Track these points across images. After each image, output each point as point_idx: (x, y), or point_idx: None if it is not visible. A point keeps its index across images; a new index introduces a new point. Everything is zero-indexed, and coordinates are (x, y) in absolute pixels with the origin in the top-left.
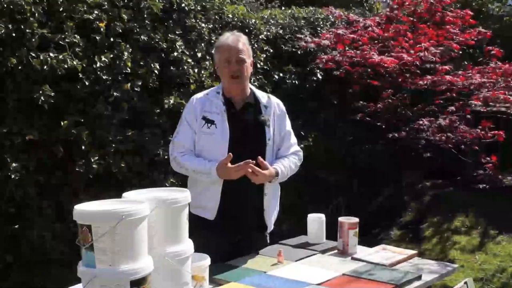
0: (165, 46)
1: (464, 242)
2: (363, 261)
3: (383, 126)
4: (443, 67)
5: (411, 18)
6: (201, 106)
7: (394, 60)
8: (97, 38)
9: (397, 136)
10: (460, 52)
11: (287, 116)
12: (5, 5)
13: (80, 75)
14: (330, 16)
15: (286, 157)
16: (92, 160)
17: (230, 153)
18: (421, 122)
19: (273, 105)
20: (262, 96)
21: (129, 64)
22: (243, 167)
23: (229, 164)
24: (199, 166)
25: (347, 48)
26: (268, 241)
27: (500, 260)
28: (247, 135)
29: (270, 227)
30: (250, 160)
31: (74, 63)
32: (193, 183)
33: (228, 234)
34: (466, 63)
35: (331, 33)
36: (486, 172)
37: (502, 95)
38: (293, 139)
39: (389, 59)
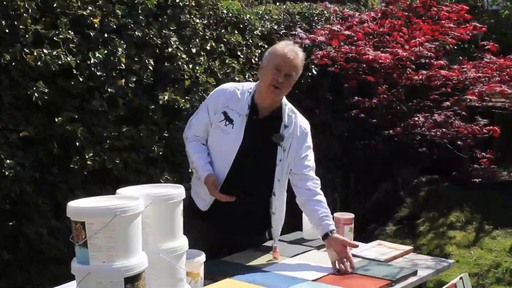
0: (159, 42)
1: (459, 237)
2: (358, 256)
3: (378, 123)
4: (438, 61)
5: (406, 13)
6: (226, 100)
7: (389, 55)
8: (91, 34)
9: (393, 133)
10: (455, 47)
11: (309, 137)
12: None
13: (75, 71)
14: (325, 12)
15: (322, 203)
16: (87, 156)
17: (218, 183)
18: (416, 118)
19: (294, 126)
20: (288, 113)
21: (124, 60)
22: (223, 198)
23: (216, 190)
24: (197, 163)
25: (342, 44)
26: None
27: (495, 255)
28: (259, 149)
29: (276, 241)
30: (233, 199)
31: (68, 59)
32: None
33: (220, 229)
34: (460, 58)
35: (325, 29)
36: (482, 167)
37: (498, 87)
38: (310, 162)
39: (384, 55)
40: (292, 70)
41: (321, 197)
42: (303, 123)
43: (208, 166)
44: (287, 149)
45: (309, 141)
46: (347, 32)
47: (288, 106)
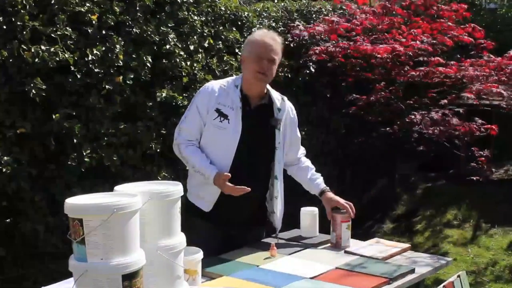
0: (157, 39)
1: (456, 235)
2: (356, 254)
3: (376, 121)
4: (436, 58)
5: (406, 11)
6: (216, 97)
7: (387, 48)
8: (89, 30)
9: (391, 130)
10: (454, 46)
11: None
12: None
13: (72, 68)
14: (323, 9)
15: (311, 169)
16: (84, 153)
17: (229, 174)
18: (413, 116)
19: (286, 109)
20: (277, 97)
21: (121, 57)
22: (239, 191)
23: (228, 183)
24: (200, 166)
25: (340, 40)
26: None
27: (493, 253)
28: (258, 137)
29: (279, 227)
30: (249, 189)
31: (66, 55)
32: (195, 173)
33: (223, 227)
34: (458, 56)
35: (324, 22)
36: (479, 166)
37: (495, 88)
38: (300, 144)
39: (383, 47)
40: (274, 55)
41: (308, 163)
42: (292, 106)
43: (213, 165)
44: (283, 131)
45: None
46: (346, 25)
47: (274, 92)
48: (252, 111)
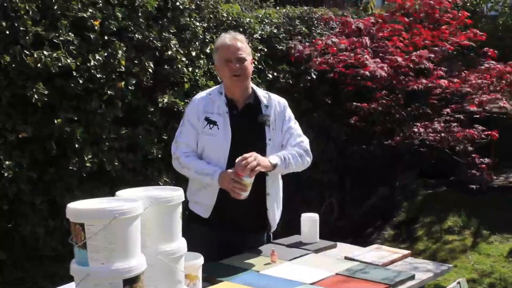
0: (159, 45)
1: (457, 242)
2: (356, 260)
3: (376, 129)
4: (439, 71)
5: (406, 19)
6: (204, 106)
7: (389, 63)
8: (92, 36)
9: (393, 143)
10: (455, 53)
11: (288, 110)
12: None
13: (74, 73)
14: (324, 16)
15: (289, 150)
16: (86, 158)
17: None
18: (415, 129)
19: (273, 104)
20: (264, 95)
21: (123, 62)
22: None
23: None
24: (204, 167)
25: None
26: (268, 240)
27: (493, 261)
28: (248, 137)
29: (274, 226)
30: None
31: (68, 61)
32: (193, 180)
33: (223, 232)
34: (460, 63)
35: (322, 41)
36: (480, 173)
37: (499, 100)
38: (298, 135)
39: (383, 65)
40: (240, 53)
41: (293, 149)
42: (279, 99)
43: (216, 166)
44: (273, 126)
45: (290, 112)
46: (343, 45)
47: (259, 90)
48: (239, 113)
